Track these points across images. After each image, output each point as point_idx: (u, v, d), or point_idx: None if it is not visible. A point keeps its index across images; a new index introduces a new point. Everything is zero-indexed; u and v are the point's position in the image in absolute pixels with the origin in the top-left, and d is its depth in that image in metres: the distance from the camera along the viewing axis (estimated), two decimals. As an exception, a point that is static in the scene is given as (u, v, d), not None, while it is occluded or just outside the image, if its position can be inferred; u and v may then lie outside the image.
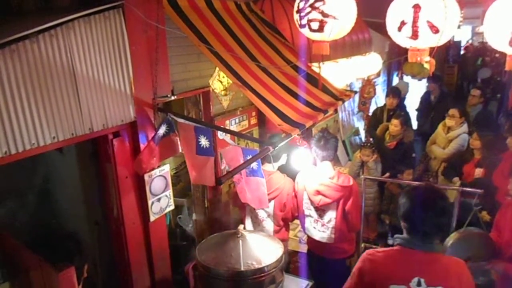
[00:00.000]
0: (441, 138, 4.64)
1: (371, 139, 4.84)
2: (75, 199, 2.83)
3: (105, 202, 2.65)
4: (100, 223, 2.79)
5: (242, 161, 2.55)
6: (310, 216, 3.27)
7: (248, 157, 2.51)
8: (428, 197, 1.88)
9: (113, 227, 2.65)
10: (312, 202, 3.20)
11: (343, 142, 5.81)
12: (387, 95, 5.78)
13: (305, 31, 2.68)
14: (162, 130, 2.56)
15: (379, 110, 5.82)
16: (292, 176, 3.38)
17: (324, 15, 2.54)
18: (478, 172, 3.97)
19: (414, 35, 2.26)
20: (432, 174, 4.64)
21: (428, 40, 2.26)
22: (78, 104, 2.16)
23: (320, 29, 2.58)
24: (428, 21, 2.20)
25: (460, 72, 10.65)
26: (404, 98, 6.67)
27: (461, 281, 1.85)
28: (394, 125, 4.63)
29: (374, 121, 5.77)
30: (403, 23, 2.26)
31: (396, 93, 5.69)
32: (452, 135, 4.56)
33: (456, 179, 4.25)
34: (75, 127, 2.16)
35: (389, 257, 1.92)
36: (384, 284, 1.87)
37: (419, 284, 1.82)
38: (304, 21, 2.62)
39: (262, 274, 2.39)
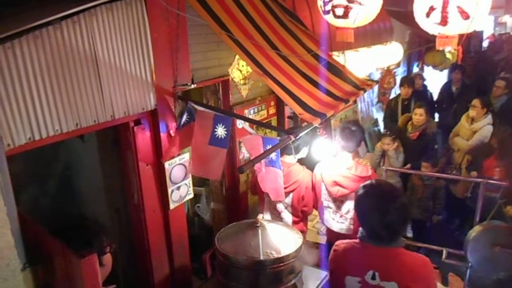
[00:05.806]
0: (465, 130, 4.53)
1: (385, 130, 4.75)
2: (96, 186, 2.85)
3: (126, 190, 2.67)
4: (120, 210, 2.81)
5: (262, 150, 2.52)
6: (328, 207, 3.23)
7: (268, 147, 2.48)
8: (374, 195, 1.84)
9: (134, 214, 2.67)
10: (330, 193, 3.16)
11: (362, 133, 5.73)
12: (401, 85, 5.68)
13: (329, 18, 2.63)
14: (183, 119, 2.55)
15: (394, 101, 5.71)
16: (311, 167, 3.34)
17: (350, 0, 2.49)
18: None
19: (443, 21, 2.19)
20: (456, 167, 4.53)
21: (458, 27, 2.19)
22: (100, 91, 2.16)
23: (345, 15, 2.53)
24: (458, 7, 2.12)
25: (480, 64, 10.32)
26: (426, 87, 6.54)
27: (417, 279, 1.79)
28: (419, 114, 4.51)
29: (389, 112, 5.68)
30: (431, 9, 2.19)
31: (410, 82, 5.58)
32: (476, 126, 4.44)
33: (473, 173, 4.16)
34: (98, 114, 2.17)
35: (349, 249, 1.93)
36: (341, 275, 1.90)
37: (373, 277, 1.80)
38: (328, 7, 2.57)
39: (281, 264, 2.37)
